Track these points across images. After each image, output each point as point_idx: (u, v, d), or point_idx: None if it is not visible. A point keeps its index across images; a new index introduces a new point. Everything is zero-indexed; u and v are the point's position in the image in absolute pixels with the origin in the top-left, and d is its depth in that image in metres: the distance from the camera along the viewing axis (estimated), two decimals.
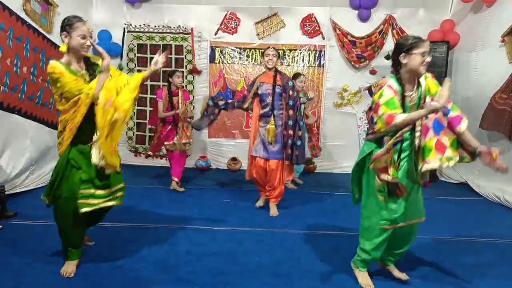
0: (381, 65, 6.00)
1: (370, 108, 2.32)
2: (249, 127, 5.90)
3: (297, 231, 3.44)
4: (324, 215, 3.92)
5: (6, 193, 3.67)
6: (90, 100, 2.27)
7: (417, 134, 2.22)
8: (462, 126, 2.11)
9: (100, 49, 2.34)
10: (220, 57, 6.14)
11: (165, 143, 4.67)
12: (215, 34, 6.06)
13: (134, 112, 6.06)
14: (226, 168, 6.18)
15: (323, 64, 6.11)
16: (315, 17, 5.99)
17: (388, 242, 2.39)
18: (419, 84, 2.25)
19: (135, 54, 6.08)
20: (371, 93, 6.15)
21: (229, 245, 3.11)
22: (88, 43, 2.32)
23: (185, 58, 6.09)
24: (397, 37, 5.87)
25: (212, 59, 6.14)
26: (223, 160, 6.28)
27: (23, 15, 4.12)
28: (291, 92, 3.85)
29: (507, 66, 4.45)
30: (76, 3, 5.30)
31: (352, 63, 6.00)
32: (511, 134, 4.31)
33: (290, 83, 3.88)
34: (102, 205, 2.50)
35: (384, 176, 2.14)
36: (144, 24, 6.02)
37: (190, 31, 6.01)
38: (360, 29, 5.93)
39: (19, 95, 4.09)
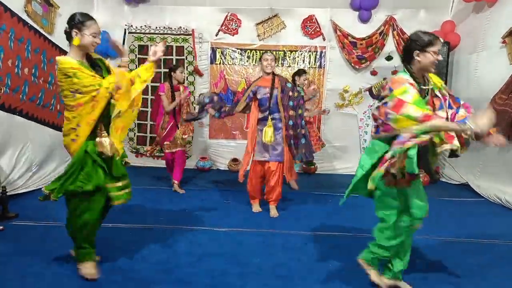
0: (381, 66, 6.01)
1: (381, 104, 2.19)
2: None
3: (297, 232, 3.44)
4: (325, 216, 3.92)
5: (8, 194, 3.68)
6: (109, 95, 2.32)
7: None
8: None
9: (121, 46, 2.53)
10: (221, 58, 6.15)
11: (165, 142, 4.66)
12: (216, 35, 6.07)
13: None
14: (227, 169, 6.18)
15: (324, 65, 6.12)
16: (315, 18, 5.99)
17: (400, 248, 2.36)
18: (425, 80, 2.24)
19: (136, 55, 6.09)
20: (371, 94, 6.15)
21: (229, 246, 3.11)
22: (97, 40, 2.38)
23: (186, 59, 6.10)
24: (397, 38, 5.88)
25: (213, 60, 6.15)
26: (224, 161, 6.29)
27: (24, 16, 4.14)
28: (290, 93, 3.87)
29: (508, 67, 4.45)
30: (77, 4, 5.30)
31: (353, 64, 6.00)
32: (510, 135, 4.31)
33: (289, 85, 3.91)
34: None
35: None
36: (145, 25, 6.04)
37: (191, 32, 6.02)
38: (360, 30, 5.93)
39: (20, 96, 4.10)
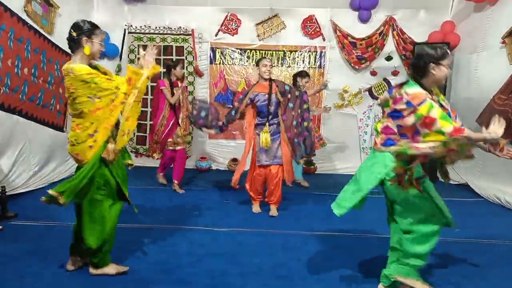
0: (381, 66, 6.01)
1: (395, 117, 2.18)
2: None
3: (297, 232, 3.44)
4: (325, 216, 3.90)
5: (7, 194, 3.67)
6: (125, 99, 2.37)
7: None
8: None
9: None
10: (221, 58, 6.15)
11: (168, 140, 4.66)
12: (216, 35, 6.07)
13: None
14: (227, 169, 6.18)
15: (324, 65, 6.12)
16: (315, 19, 5.99)
17: None
18: (431, 92, 2.25)
19: (135, 55, 6.09)
20: (371, 94, 6.15)
21: (229, 246, 3.11)
22: (103, 48, 2.43)
23: (186, 59, 6.09)
24: (397, 38, 5.88)
25: (212, 60, 6.15)
26: (224, 161, 6.29)
27: (24, 16, 4.13)
28: (290, 95, 3.90)
29: (508, 67, 4.45)
30: (77, 4, 5.31)
31: (352, 64, 6.00)
32: (510, 136, 4.30)
33: (287, 87, 3.94)
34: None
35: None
36: (145, 26, 6.03)
37: (190, 32, 6.02)
38: (360, 31, 5.93)
39: (20, 96, 4.10)
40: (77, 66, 2.28)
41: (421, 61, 2.19)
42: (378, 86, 6.11)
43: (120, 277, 2.52)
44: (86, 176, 2.33)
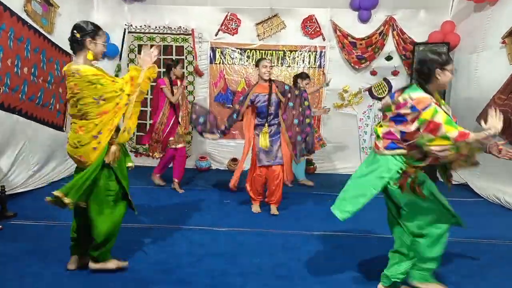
0: (381, 66, 6.01)
1: (401, 121, 2.17)
2: None
3: (297, 232, 3.44)
4: (325, 216, 3.88)
5: (6, 193, 3.67)
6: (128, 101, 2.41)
7: None
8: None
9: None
10: (221, 58, 6.14)
11: (170, 138, 4.67)
12: (216, 35, 6.07)
13: None
14: (226, 168, 6.18)
15: (324, 65, 6.12)
16: (315, 18, 5.99)
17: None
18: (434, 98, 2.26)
19: (135, 55, 6.08)
20: (371, 94, 6.15)
21: (229, 246, 3.11)
22: (105, 49, 2.47)
23: (186, 59, 6.09)
24: (397, 38, 5.88)
25: (212, 60, 6.14)
26: (223, 160, 6.28)
27: (24, 15, 4.13)
28: (289, 95, 3.92)
29: (508, 67, 4.45)
30: (77, 4, 5.30)
31: (352, 64, 6.00)
32: (510, 136, 4.30)
33: (287, 87, 3.95)
34: None
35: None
36: (144, 25, 6.03)
37: (190, 32, 6.02)
38: (360, 30, 5.93)
39: (20, 95, 4.10)
40: (83, 67, 2.29)
41: (426, 67, 2.19)
42: (378, 86, 6.11)
43: (120, 277, 2.52)
44: (90, 177, 2.34)
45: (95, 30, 2.36)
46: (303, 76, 4.88)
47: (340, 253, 3.02)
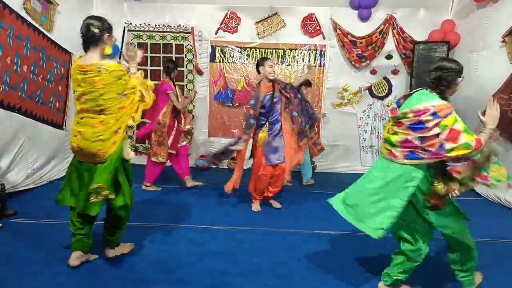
0: (381, 65, 6.00)
1: (417, 129, 2.16)
2: None
3: (297, 231, 3.44)
4: (325, 215, 3.90)
5: (6, 191, 3.66)
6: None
7: None
8: None
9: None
10: (221, 56, 6.13)
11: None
12: (216, 34, 6.05)
13: None
14: (226, 167, 6.17)
15: (324, 63, 6.11)
16: (315, 17, 5.98)
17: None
18: None
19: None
20: (371, 93, 6.14)
21: (229, 245, 3.11)
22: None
23: (186, 57, 6.08)
24: (397, 37, 5.86)
25: (212, 58, 6.13)
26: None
27: (23, 13, 4.11)
28: (287, 90, 3.98)
29: (508, 66, 4.45)
30: (77, 1, 5.27)
31: (353, 62, 5.99)
32: (510, 135, 4.31)
33: (283, 84, 4.01)
34: None
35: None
36: (144, 23, 6.01)
37: (190, 30, 6.00)
38: (360, 29, 5.92)
39: (19, 93, 4.08)
40: (108, 62, 2.34)
41: (449, 74, 2.19)
42: (378, 84, 6.11)
43: (120, 276, 2.52)
44: (113, 170, 2.44)
45: (111, 26, 2.46)
46: (306, 84, 4.93)
47: (340, 252, 3.02)
